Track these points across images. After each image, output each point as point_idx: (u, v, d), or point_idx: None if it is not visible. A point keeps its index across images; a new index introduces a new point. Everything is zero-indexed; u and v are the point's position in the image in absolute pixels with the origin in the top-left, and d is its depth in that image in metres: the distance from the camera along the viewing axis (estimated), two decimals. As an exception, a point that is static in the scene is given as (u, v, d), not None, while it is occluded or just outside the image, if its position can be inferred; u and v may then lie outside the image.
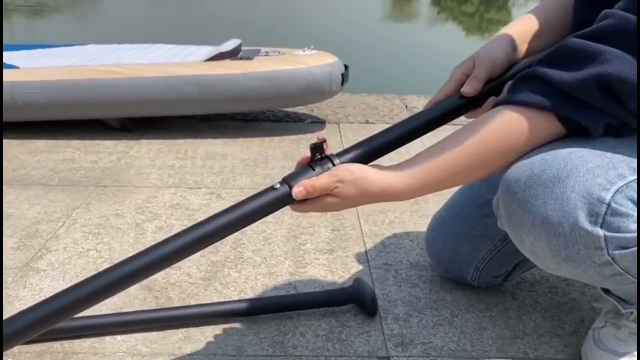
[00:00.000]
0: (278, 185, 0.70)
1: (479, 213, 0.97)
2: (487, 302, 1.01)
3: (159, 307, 0.97)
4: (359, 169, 0.70)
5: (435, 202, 1.42)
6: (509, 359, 0.87)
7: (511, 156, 0.70)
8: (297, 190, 0.68)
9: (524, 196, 0.67)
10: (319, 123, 2.11)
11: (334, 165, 0.71)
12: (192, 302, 0.99)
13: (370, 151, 0.75)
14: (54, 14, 8.15)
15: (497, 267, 0.99)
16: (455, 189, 1.06)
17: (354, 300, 0.97)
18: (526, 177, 0.66)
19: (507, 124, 0.68)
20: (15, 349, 0.86)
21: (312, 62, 1.91)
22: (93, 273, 1.07)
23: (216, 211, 1.34)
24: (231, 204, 1.38)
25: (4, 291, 1.01)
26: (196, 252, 0.67)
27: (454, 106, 0.79)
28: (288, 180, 0.70)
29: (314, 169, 0.71)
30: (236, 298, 1.01)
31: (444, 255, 1.02)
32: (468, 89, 0.78)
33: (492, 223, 0.92)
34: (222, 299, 1.00)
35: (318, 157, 0.72)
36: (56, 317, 0.63)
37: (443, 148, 0.71)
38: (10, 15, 8.23)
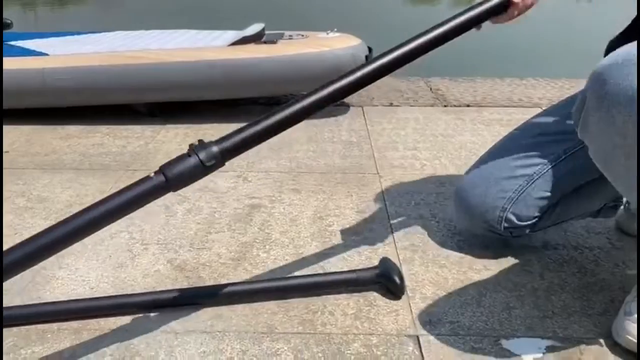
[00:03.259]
0: (152, 175, 0.72)
1: (508, 158, 1.03)
2: (515, 281, 1.01)
3: (189, 287, 0.99)
4: None
5: (461, 184, 1.42)
6: (538, 337, 0.87)
7: None
8: None
9: (619, 75, 0.70)
10: (342, 106, 2.11)
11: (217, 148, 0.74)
12: (223, 281, 1.01)
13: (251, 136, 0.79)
14: (78, 5, 8.24)
15: (522, 209, 1.01)
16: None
17: (381, 281, 0.98)
18: (622, 59, 0.71)
19: None
20: (55, 325, 0.89)
21: (335, 44, 1.91)
22: (126, 254, 1.11)
23: (243, 194, 1.35)
24: (258, 186, 1.41)
25: (42, 271, 1.05)
26: (83, 238, 0.72)
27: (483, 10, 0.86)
28: (164, 170, 0.72)
29: (190, 156, 0.73)
30: (265, 278, 1.02)
31: (472, 201, 1.04)
32: None
33: (520, 164, 1.01)
34: (251, 279, 1.02)
35: (195, 144, 0.74)
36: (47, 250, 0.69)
37: None
38: (36, 5, 8.34)
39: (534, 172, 1.00)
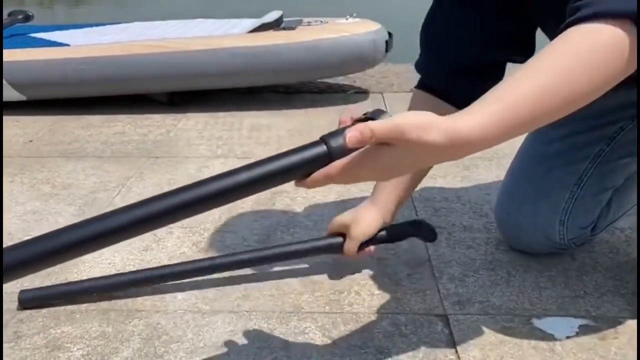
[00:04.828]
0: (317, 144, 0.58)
1: (545, 167, 0.95)
2: (544, 262, 0.99)
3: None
4: (425, 114, 0.56)
5: (486, 168, 1.40)
6: (571, 317, 0.85)
7: (616, 80, 0.58)
8: (350, 135, 0.54)
9: None
10: (362, 93, 2.10)
11: None
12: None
13: None
14: (93, 4, 8.31)
15: (581, 216, 0.94)
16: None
17: (412, 232, 0.97)
18: None
19: (614, 42, 0.55)
20: (83, 306, 0.90)
21: (355, 30, 1.89)
22: (150, 237, 1.11)
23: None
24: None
25: (68, 254, 1.05)
26: (216, 207, 0.58)
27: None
28: (327, 138, 0.57)
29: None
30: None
31: (524, 222, 0.97)
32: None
33: (562, 173, 0.94)
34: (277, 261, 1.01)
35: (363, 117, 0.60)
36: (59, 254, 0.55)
37: (532, 78, 0.56)
38: (53, 4, 8.42)
39: (582, 175, 0.93)
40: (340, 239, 0.94)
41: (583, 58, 0.56)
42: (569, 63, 0.56)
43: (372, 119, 0.57)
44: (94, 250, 0.56)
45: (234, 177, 0.57)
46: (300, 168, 0.58)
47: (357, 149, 0.56)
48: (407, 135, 0.54)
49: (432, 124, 0.54)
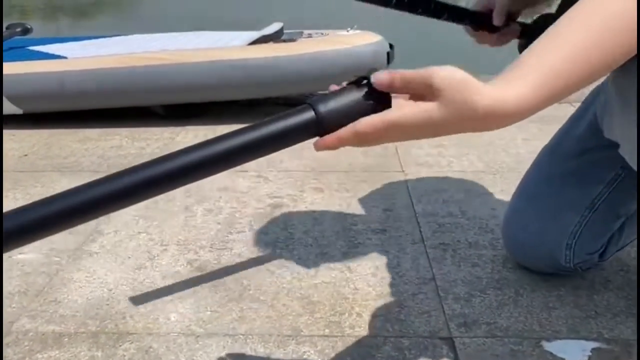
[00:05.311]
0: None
1: (558, 186, 0.90)
2: (553, 281, 0.95)
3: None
4: (465, 74, 0.51)
5: (491, 181, 1.36)
6: (582, 339, 0.81)
7: None
8: (381, 77, 0.50)
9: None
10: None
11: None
12: (245, 282, 0.97)
13: None
14: (98, 14, 8.36)
15: (589, 241, 0.89)
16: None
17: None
18: None
19: None
20: (71, 329, 0.86)
21: (356, 41, 1.86)
22: (145, 255, 1.07)
23: (264, 193, 1.31)
24: (279, 186, 1.37)
25: (59, 273, 1.02)
26: (204, 177, 0.53)
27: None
28: (314, 103, 0.51)
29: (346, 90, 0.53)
30: (288, 275, 0.98)
31: (530, 241, 0.93)
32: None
33: (575, 194, 0.88)
34: (275, 279, 0.98)
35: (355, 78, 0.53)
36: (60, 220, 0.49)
37: (569, 39, 0.53)
38: (57, 14, 8.46)
39: (595, 199, 0.87)
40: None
41: (617, 14, 0.52)
42: (603, 19, 0.52)
43: (366, 78, 0.52)
44: (92, 217, 0.51)
45: (215, 146, 0.52)
46: (286, 137, 0.52)
47: (345, 116, 0.51)
48: (451, 90, 0.49)
49: (477, 87, 0.50)
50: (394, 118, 0.51)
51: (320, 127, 0.52)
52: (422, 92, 0.51)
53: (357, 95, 0.52)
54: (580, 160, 0.89)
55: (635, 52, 0.54)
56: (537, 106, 0.52)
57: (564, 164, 0.90)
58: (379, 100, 0.52)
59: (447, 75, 0.50)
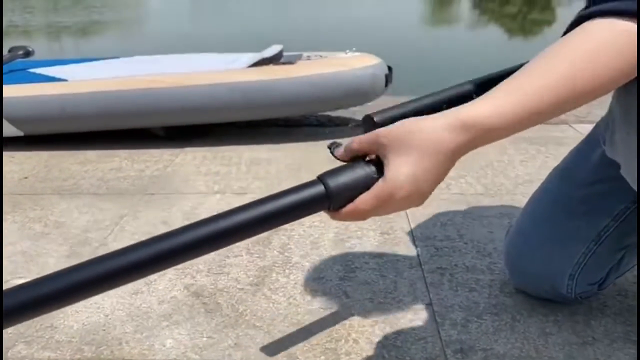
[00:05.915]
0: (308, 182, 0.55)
1: (566, 214, 0.88)
2: (550, 306, 0.95)
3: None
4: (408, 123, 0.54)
5: (489, 204, 1.36)
6: (579, 367, 0.81)
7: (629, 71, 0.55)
8: (339, 153, 0.57)
9: None
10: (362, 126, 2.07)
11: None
12: (241, 307, 0.97)
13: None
14: (100, 32, 8.44)
15: (593, 272, 0.89)
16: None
17: None
18: None
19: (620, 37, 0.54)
20: (67, 355, 0.86)
21: (354, 64, 1.88)
22: (141, 279, 1.07)
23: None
24: (277, 208, 1.37)
25: (55, 298, 1.01)
26: (211, 251, 0.53)
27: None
28: (324, 178, 0.55)
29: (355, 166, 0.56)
30: (284, 301, 0.98)
31: (533, 268, 0.92)
32: None
33: (582, 224, 0.86)
34: (272, 305, 0.97)
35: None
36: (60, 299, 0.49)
37: (544, 70, 0.54)
38: (60, 34, 8.55)
39: (601, 231, 0.85)
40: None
41: (601, 48, 0.54)
42: (588, 51, 0.54)
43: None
44: (86, 297, 0.51)
45: (226, 220, 0.53)
46: (297, 210, 0.55)
47: (354, 188, 0.55)
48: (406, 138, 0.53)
49: (419, 122, 0.54)
50: (382, 188, 0.54)
51: (330, 200, 0.55)
52: (375, 151, 0.55)
53: (364, 170, 0.55)
54: (590, 189, 0.87)
55: (618, 82, 0.55)
56: (517, 124, 0.53)
57: (573, 191, 0.88)
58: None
59: (390, 129, 0.54)
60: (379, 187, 0.54)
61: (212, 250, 0.53)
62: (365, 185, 0.55)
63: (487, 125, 0.53)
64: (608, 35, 0.54)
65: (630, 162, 0.66)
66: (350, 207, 0.55)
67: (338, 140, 0.60)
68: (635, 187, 0.67)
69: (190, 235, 0.52)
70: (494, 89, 0.55)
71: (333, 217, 0.57)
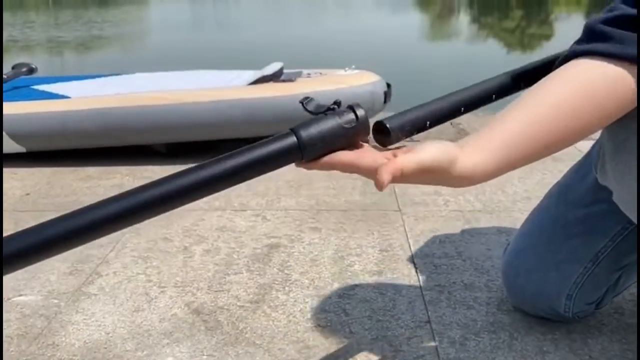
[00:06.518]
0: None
1: (564, 234, 0.89)
2: (548, 324, 0.95)
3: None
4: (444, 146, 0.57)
5: (487, 221, 1.38)
6: (576, 385, 0.81)
7: (617, 114, 0.58)
8: (383, 180, 0.54)
9: (633, 122, 0.60)
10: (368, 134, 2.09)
11: (356, 117, 0.57)
12: (241, 325, 0.97)
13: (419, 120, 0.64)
14: (101, 48, 8.51)
15: (590, 292, 0.89)
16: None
17: None
18: None
19: (608, 80, 0.56)
20: (68, 374, 0.86)
21: (353, 81, 1.91)
22: (143, 297, 1.08)
23: (262, 233, 1.32)
24: (277, 225, 1.38)
25: (58, 315, 1.02)
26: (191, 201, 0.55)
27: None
28: (296, 129, 0.56)
29: (325, 114, 0.57)
30: (284, 319, 0.99)
31: (530, 287, 0.93)
32: None
33: (579, 244, 0.87)
34: (271, 323, 0.98)
35: (333, 106, 0.57)
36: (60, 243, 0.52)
37: (523, 115, 0.57)
38: (61, 49, 8.61)
39: (598, 252, 0.86)
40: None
41: (581, 92, 0.56)
42: (568, 96, 0.56)
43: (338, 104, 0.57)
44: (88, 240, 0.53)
45: (205, 170, 0.55)
46: (272, 160, 0.57)
47: (327, 137, 0.56)
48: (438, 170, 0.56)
49: (457, 156, 0.56)
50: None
51: (302, 152, 0.56)
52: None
53: (336, 120, 0.56)
54: (588, 210, 0.87)
55: (591, 130, 0.58)
56: (500, 170, 0.57)
57: (571, 211, 0.89)
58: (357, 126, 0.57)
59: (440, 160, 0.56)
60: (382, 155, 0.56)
61: (191, 201, 0.55)
62: (337, 134, 0.56)
63: (471, 178, 0.57)
64: (584, 86, 0.56)
65: (621, 191, 0.67)
66: (334, 155, 0.57)
67: (311, 96, 0.59)
68: (627, 213, 0.68)
69: (171, 185, 0.54)
70: (480, 140, 0.57)
71: (309, 168, 0.58)
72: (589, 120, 0.57)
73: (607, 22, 0.57)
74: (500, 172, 0.57)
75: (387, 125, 0.62)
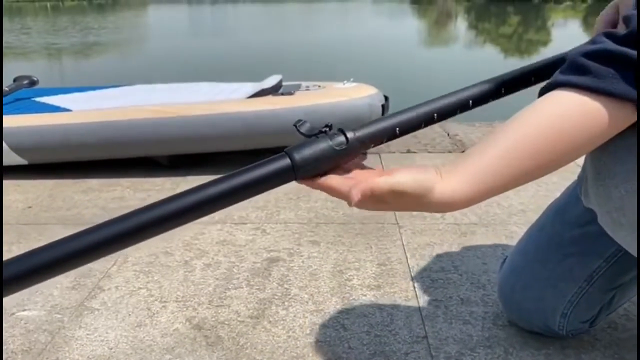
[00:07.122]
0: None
1: (559, 254, 0.90)
2: (542, 340, 0.97)
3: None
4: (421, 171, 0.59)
5: (483, 235, 1.40)
6: (569, 401, 0.83)
7: (591, 147, 0.61)
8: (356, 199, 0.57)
9: (615, 148, 0.63)
10: (359, 154, 2.11)
11: (347, 139, 0.61)
12: (242, 340, 0.99)
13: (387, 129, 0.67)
14: (98, 54, 8.53)
15: (584, 311, 0.91)
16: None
17: None
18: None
19: (587, 114, 0.58)
20: (73, 390, 0.88)
21: (352, 94, 1.93)
22: (145, 312, 1.10)
23: (262, 247, 1.34)
24: (276, 239, 1.40)
25: (61, 331, 1.04)
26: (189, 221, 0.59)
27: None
28: (290, 152, 0.59)
29: (317, 137, 0.60)
30: (284, 334, 1.00)
31: (526, 304, 0.95)
32: None
33: (575, 264, 0.89)
34: (271, 338, 1.00)
35: (325, 129, 0.61)
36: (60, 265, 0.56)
37: (502, 146, 0.59)
38: (58, 56, 8.63)
39: (593, 272, 0.88)
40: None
41: (556, 124, 0.58)
42: (543, 128, 0.59)
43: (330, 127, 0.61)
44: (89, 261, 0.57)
45: (202, 192, 0.59)
46: (265, 182, 0.59)
47: (320, 159, 0.59)
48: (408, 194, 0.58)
49: (435, 183, 0.58)
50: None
51: (295, 174, 0.59)
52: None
53: (327, 143, 0.60)
54: (584, 230, 0.88)
55: (570, 158, 0.60)
56: (480, 197, 0.59)
57: (567, 231, 0.90)
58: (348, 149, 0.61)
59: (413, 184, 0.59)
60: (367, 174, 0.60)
61: (189, 222, 0.59)
62: (329, 156, 0.60)
63: (452, 204, 0.59)
64: (557, 120, 0.58)
65: (603, 214, 0.69)
66: (322, 179, 0.60)
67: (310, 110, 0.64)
68: (612, 236, 0.70)
69: (169, 207, 0.58)
70: (459, 166, 0.60)
71: (301, 184, 0.61)
72: (564, 151, 0.59)
73: (587, 55, 0.59)
74: (481, 198, 0.59)
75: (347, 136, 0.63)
